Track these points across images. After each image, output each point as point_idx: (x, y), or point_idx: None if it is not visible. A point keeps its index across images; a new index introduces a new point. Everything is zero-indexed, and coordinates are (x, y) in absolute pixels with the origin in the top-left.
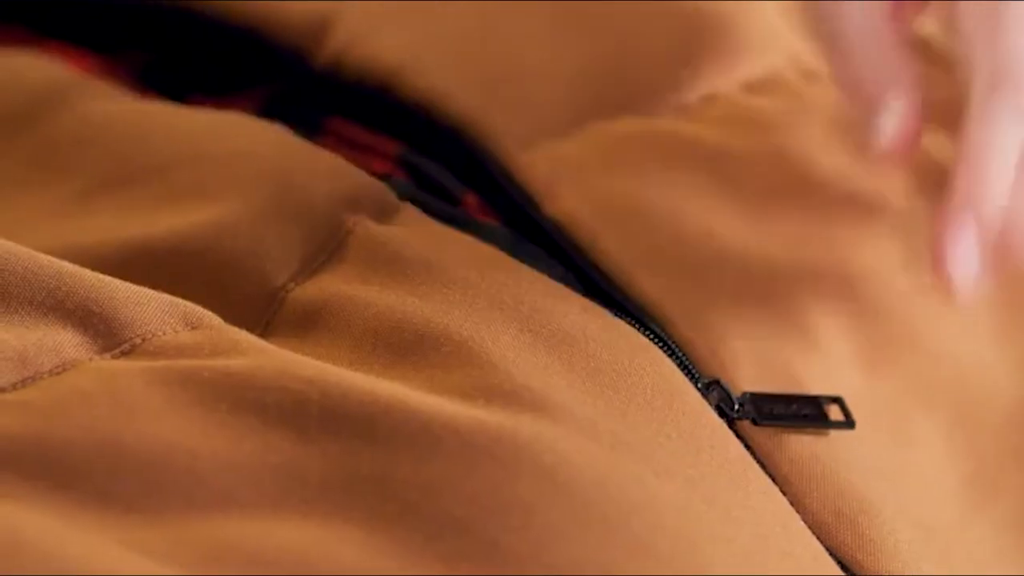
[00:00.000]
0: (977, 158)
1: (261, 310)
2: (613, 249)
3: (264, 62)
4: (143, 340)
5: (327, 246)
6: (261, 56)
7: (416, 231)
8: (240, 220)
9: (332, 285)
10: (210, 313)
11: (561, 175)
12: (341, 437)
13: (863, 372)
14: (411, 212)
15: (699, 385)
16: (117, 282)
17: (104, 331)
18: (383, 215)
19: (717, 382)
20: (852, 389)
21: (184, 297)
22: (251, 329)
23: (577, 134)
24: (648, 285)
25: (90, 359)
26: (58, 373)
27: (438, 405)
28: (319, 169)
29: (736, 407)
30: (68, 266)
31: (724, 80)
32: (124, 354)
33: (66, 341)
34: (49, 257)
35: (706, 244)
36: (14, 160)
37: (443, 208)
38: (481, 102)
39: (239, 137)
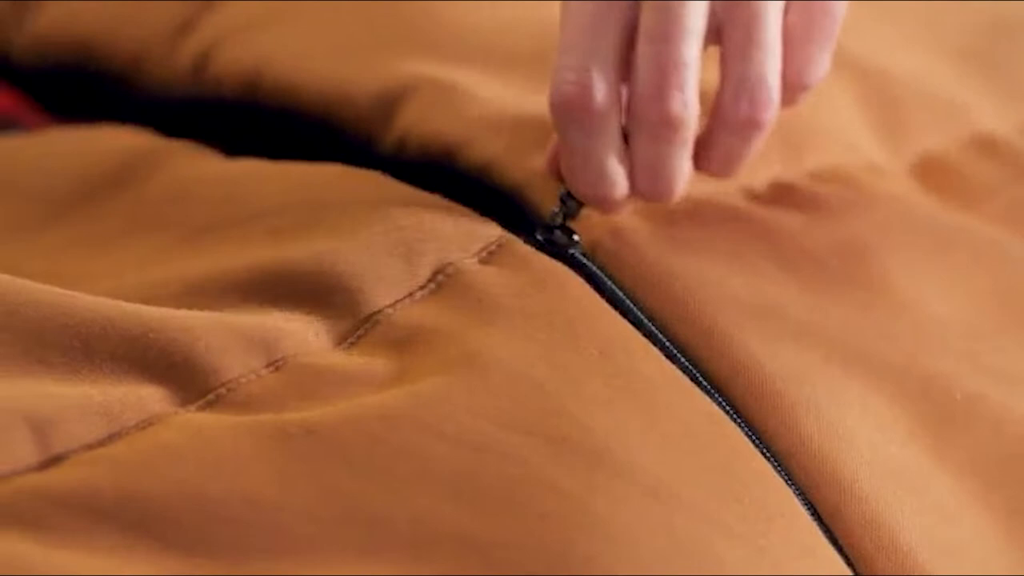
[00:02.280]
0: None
1: (353, 328)
2: (672, 319)
3: (330, 146)
4: (228, 390)
5: (427, 281)
6: (327, 140)
7: (515, 274)
8: (345, 249)
9: (425, 317)
10: (292, 337)
11: (619, 241)
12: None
13: (928, 456)
14: (513, 252)
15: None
16: (200, 324)
17: (188, 382)
18: (486, 255)
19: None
20: (912, 467)
21: (283, 311)
22: (339, 342)
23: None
24: (706, 357)
25: (175, 412)
26: (145, 427)
27: None
28: (423, 208)
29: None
30: (151, 314)
31: (792, 168)
32: (209, 405)
33: (150, 395)
34: (135, 306)
35: (766, 318)
36: (112, 220)
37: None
38: (537, 168)
39: (342, 182)
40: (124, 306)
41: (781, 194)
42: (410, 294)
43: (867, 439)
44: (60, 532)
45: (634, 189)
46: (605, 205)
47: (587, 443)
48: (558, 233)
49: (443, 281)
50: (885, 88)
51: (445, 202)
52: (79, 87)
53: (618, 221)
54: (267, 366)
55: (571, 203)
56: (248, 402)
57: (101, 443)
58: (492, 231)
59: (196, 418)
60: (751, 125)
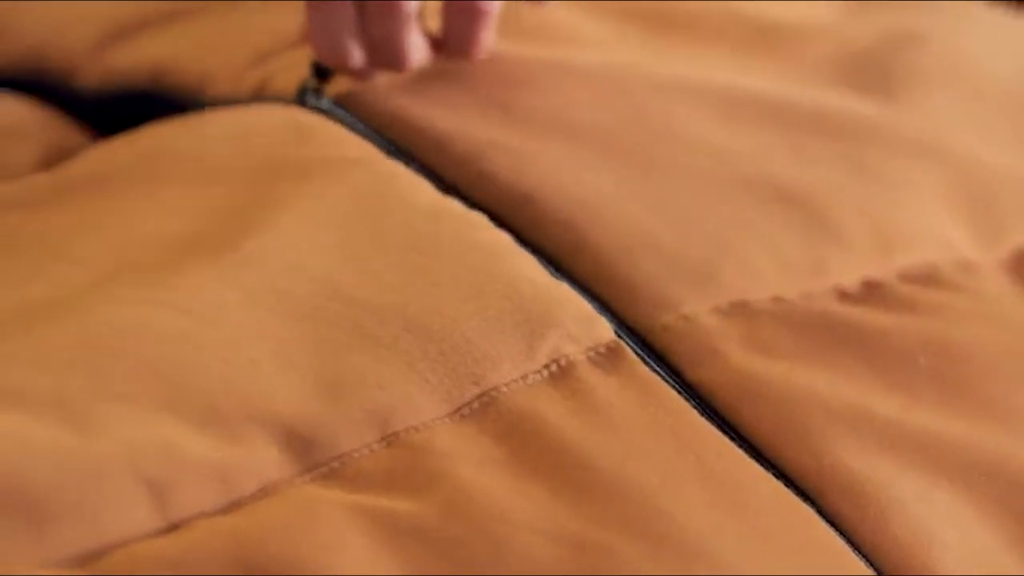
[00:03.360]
0: None
1: (469, 400)
2: (761, 423)
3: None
4: (342, 464)
5: (543, 366)
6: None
7: (621, 378)
8: (472, 317)
9: (537, 403)
10: (406, 405)
11: (704, 346)
12: None
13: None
14: (623, 357)
15: None
16: (320, 393)
17: (305, 451)
18: (596, 355)
19: None
20: (999, 567)
21: (401, 363)
22: (452, 411)
23: (718, 302)
24: (795, 462)
25: (291, 481)
26: (261, 498)
27: None
28: (549, 291)
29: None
30: (269, 377)
31: (883, 266)
32: (323, 477)
33: (268, 459)
34: (251, 364)
35: (855, 420)
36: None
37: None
38: (624, 260)
39: (481, 252)
40: (252, 365)
41: (871, 293)
42: (524, 376)
43: (955, 540)
44: None
45: (371, 61)
46: (348, 72)
47: (685, 543)
48: (310, 95)
49: (556, 372)
50: (977, 181)
51: (567, 289)
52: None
53: (706, 324)
54: (380, 440)
55: (321, 70)
56: (360, 478)
57: (219, 511)
58: (606, 333)
59: (311, 492)
60: (475, 10)
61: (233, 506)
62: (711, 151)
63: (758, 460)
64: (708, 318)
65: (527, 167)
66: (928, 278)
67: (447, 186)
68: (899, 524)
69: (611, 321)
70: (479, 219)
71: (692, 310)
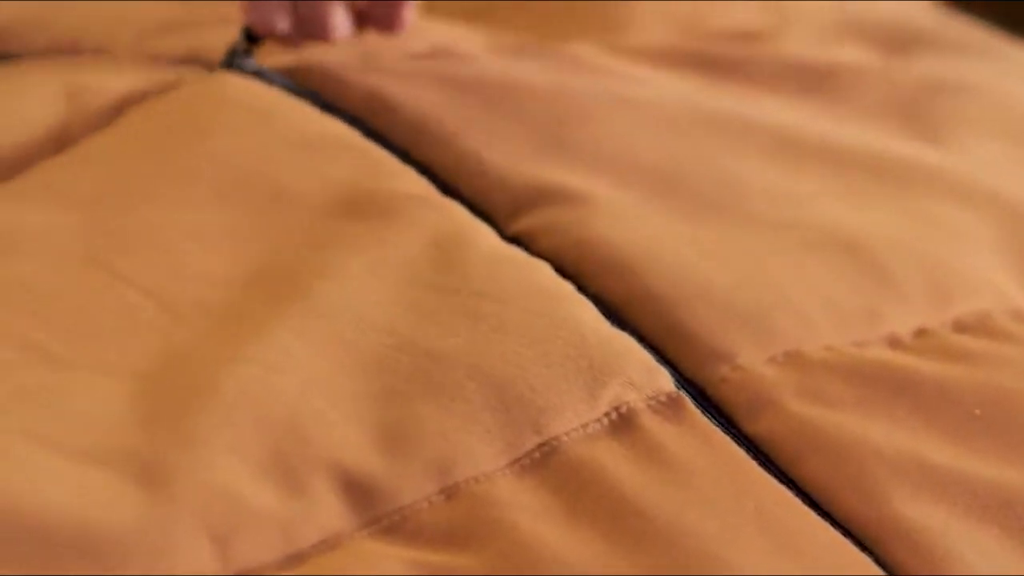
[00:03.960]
0: None
1: (529, 450)
2: (817, 473)
3: None
4: (402, 518)
5: (603, 415)
6: None
7: (682, 428)
8: (535, 364)
9: (596, 452)
10: (467, 456)
11: (760, 397)
12: None
13: None
14: (684, 407)
15: None
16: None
17: (365, 503)
18: (658, 404)
19: None
20: None
21: (464, 418)
22: (512, 461)
23: (773, 352)
24: (852, 511)
25: (351, 535)
26: (322, 552)
27: None
28: (610, 340)
29: None
30: (333, 427)
31: (937, 316)
32: (384, 532)
33: (329, 511)
34: (316, 415)
35: (910, 470)
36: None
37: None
38: (680, 310)
39: (544, 299)
40: (317, 416)
41: (925, 342)
42: (584, 425)
43: None
44: None
45: (297, 32)
46: (276, 39)
47: None
48: (239, 57)
49: (617, 420)
50: None
51: (628, 339)
52: None
53: (762, 375)
54: (440, 492)
55: (251, 36)
56: (420, 533)
57: (280, 565)
58: (667, 383)
59: (371, 548)
60: None
61: (294, 559)
62: (766, 194)
63: (815, 509)
64: (763, 368)
65: (584, 212)
66: (982, 327)
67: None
68: (955, 572)
69: (670, 372)
70: (542, 266)
71: (748, 360)
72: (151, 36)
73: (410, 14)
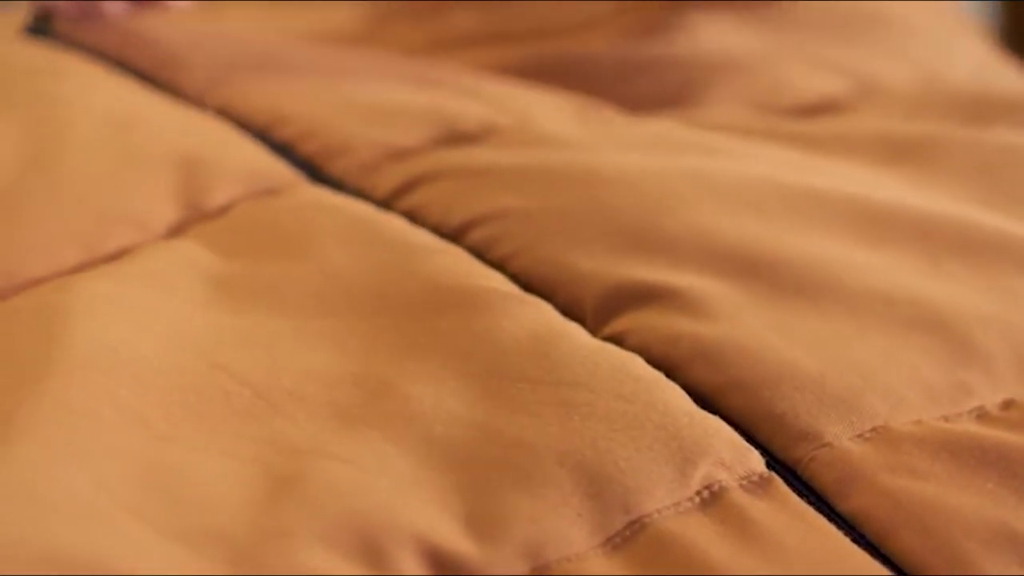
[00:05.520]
0: None
1: (620, 529)
2: (909, 547)
3: None
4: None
5: (695, 493)
6: None
7: (773, 506)
8: (625, 447)
9: (688, 530)
10: (558, 537)
11: (849, 473)
12: None
13: None
14: (775, 487)
15: None
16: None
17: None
18: (749, 484)
19: None
20: None
21: (555, 503)
22: (603, 541)
23: (862, 429)
24: None
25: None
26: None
27: None
28: (702, 422)
29: None
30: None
31: (1022, 388)
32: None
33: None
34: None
35: (1000, 542)
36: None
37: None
38: (769, 394)
39: (637, 385)
40: (408, 508)
41: (1013, 415)
42: (677, 503)
43: None
44: None
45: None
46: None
47: None
48: (37, 24)
49: (708, 498)
50: None
51: (718, 420)
52: None
53: (850, 451)
54: (532, 572)
55: (41, 13)
56: None
57: None
58: (758, 463)
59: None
60: None
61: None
62: (851, 272)
63: None
64: (852, 444)
65: (670, 308)
66: None
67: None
68: None
69: (760, 453)
70: (635, 357)
71: (836, 437)
72: None
73: None
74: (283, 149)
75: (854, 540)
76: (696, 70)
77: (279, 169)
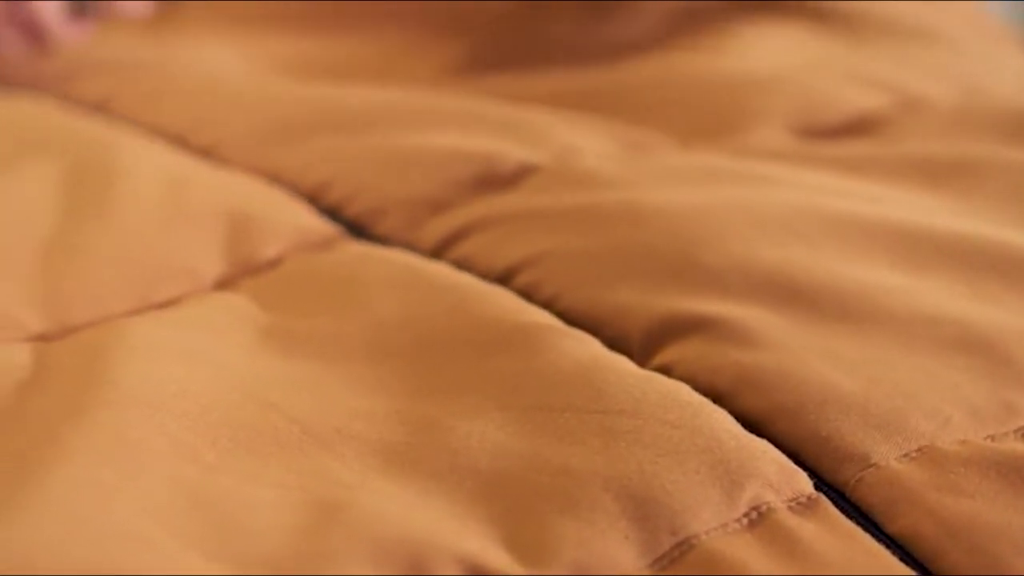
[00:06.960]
0: None
1: (668, 550)
2: (958, 566)
3: None
4: None
5: (742, 515)
6: None
7: (821, 527)
8: (672, 471)
9: (736, 551)
10: (608, 562)
11: (896, 494)
12: None
13: None
14: (823, 508)
15: None
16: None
17: None
18: (797, 505)
19: None
20: None
21: (601, 527)
22: (651, 563)
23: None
24: None
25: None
26: None
27: None
28: (748, 445)
29: None
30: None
31: None
32: None
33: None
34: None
35: None
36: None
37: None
38: (814, 417)
39: (684, 410)
40: (453, 534)
41: None
42: (723, 524)
43: None
44: None
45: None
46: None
47: None
48: None
49: (755, 519)
50: None
51: (765, 443)
52: None
53: (896, 471)
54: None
55: None
56: None
57: None
58: (806, 485)
59: None
60: None
61: None
62: (892, 295)
63: None
64: (898, 464)
65: (714, 337)
66: None
67: None
68: None
69: (808, 476)
70: (681, 385)
71: (882, 458)
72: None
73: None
74: (329, 212)
75: (903, 560)
76: (742, 93)
77: (326, 227)
